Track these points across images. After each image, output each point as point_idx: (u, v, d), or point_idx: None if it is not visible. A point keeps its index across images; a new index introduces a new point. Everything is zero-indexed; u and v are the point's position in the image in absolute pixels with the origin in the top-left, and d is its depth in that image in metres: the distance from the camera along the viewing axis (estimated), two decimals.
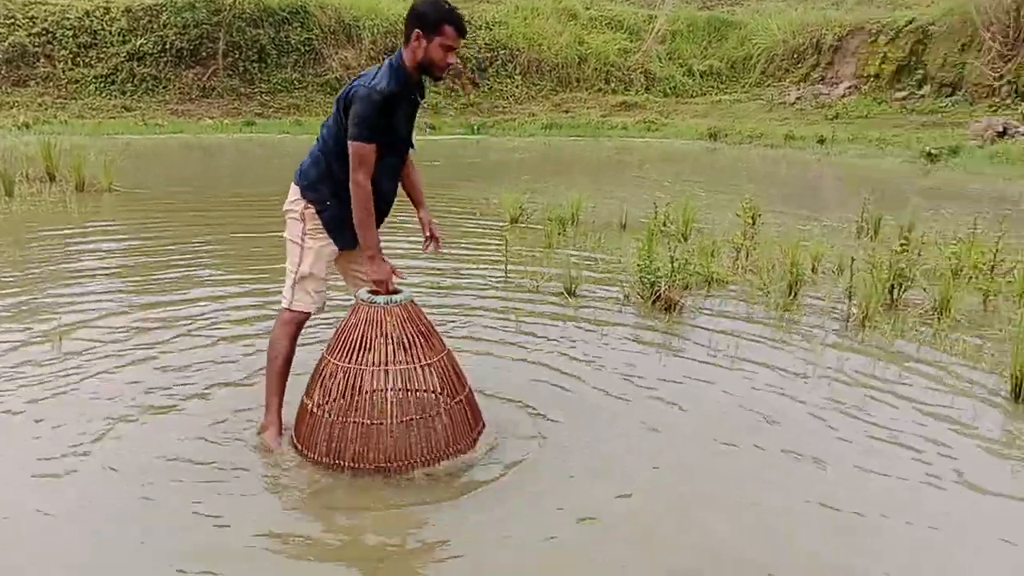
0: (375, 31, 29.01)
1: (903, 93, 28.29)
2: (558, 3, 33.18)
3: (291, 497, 2.91)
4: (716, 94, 32.30)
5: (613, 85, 31.61)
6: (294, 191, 3.25)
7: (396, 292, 3.12)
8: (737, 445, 3.39)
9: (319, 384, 3.09)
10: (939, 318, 5.18)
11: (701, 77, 33.30)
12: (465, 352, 4.27)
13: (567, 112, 28.63)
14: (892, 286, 5.52)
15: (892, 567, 2.55)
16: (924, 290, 5.65)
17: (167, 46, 25.49)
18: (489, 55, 29.98)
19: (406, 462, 3.00)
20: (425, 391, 3.10)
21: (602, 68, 31.70)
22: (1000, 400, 3.96)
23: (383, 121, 3.00)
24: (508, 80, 30.27)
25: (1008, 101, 24.72)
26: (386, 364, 2.98)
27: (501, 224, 8.55)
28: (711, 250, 6.57)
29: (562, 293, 5.64)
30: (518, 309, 5.32)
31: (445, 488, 2.97)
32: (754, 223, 7.81)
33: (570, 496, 2.95)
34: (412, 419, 3.02)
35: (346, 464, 3.00)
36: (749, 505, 2.92)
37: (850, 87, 30.26)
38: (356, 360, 2.99)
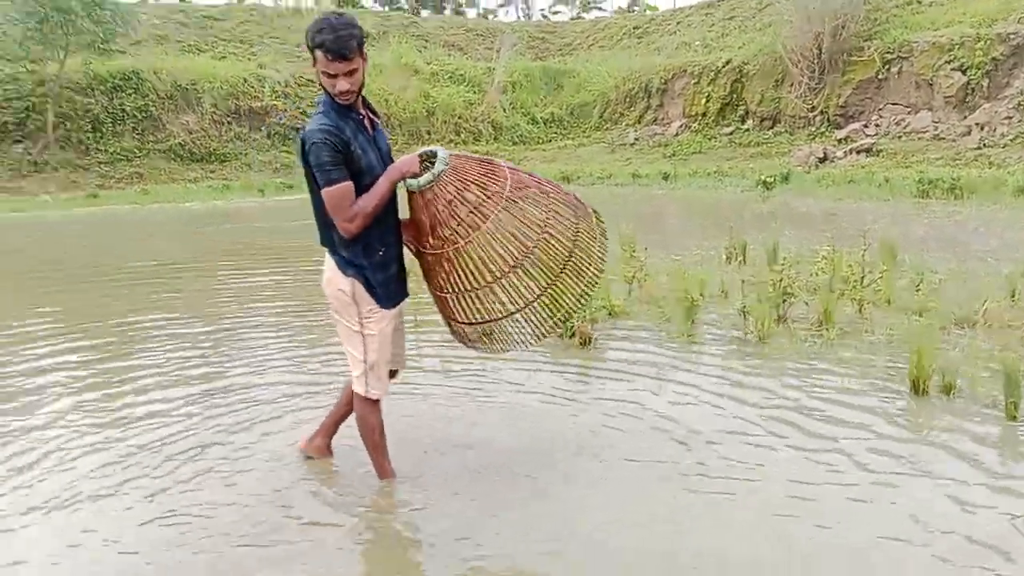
0: (215, 94, 28.39)
1: (729, 128, 30.58)
2: (399, 59, 33.71)
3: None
4: (561, 140, 33.72)
5: (463, 136, 32.35)
6: (331, 264, 3.11)
7: (432, 156, 3.07)
8: (679, 462, 3.60)
9: (433, 274, 3.14)
10: (826, 328, 5.68)
11: (544, 124, 34.69)
12: (412, 396, 4.29)
13: None
14: (780, 303, 6.00)
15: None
16: (807, 304, 6.17)
17: None
18: None
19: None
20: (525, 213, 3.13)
21: (451, 120, 32.44)
22: (903, 394, 4.40)
23: (342, 158, 2.87)
24: None
25: (823, 129, 27.23)
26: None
27: None
28: (604, 283, 6.86)
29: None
30: (437, 355, 5.38)
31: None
32: (634, 257, 8.23)
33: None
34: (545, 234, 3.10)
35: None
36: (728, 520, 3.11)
37: (681, 126, 32.37)
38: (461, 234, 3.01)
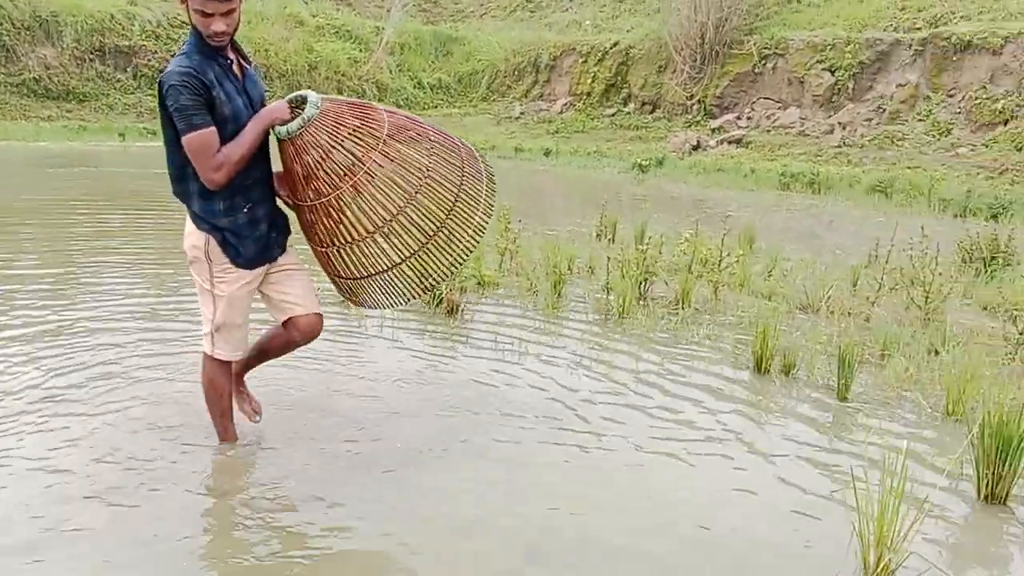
0: (79, 28, 26.46)
1: (612, 110, 31.16)
2: (284, 9, 32.41)
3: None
4: (447, 107, 33.46)
5: (346, 94, 31.41)
6: (189, 224, 2.90)
7: (302, 101, 2.88)
8: (535, 428, 3.65)
9: (309, 228, 2.99)
10: (682, 307, 5.89)
11: (431, 90, 34.29)
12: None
13: None
14: (641, 282, 6.18)
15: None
16: (666, 284, 6.38)
17: None
18: None
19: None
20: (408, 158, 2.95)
21: (333, 77, 31.55)
22: (746, 372, 4.63)
23: (204, 102, 2.68)
24: None
25: (699, 118, 28.18)
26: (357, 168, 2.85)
27: None
28: (477, 254, 6.86)
29: (341, 301, 5.60)
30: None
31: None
32: (508, 229, 8.27)
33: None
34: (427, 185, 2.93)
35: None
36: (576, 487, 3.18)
37: (566, 104, 32.72)
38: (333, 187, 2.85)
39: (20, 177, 13.89)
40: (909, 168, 20.52)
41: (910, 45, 24.64)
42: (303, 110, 2.84)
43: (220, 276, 2.92)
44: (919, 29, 25.18)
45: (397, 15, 35.82)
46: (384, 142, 2.88)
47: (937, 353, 4.98)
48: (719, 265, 6.53)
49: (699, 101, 28.40)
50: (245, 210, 2.90)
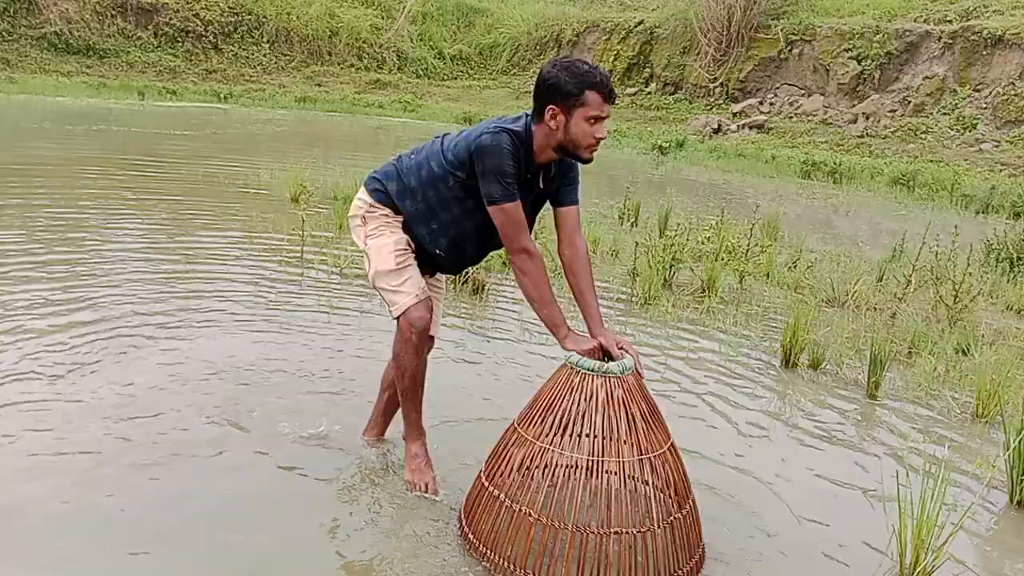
0: None
1: (633, 89, 30.88)
2: None
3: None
4: (466, 79, 33.22)
5: (366, 62, 31.36)
6: (363, 199, 2.75)
7: (612, 360, 2.43)
8: None
9: (499, 452, 2.45)
10: (708, 296, 5.86)
11: (451, 61, 34.05)
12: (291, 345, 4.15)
13: (320, 86, 28.00)
14: (667, 269, 6.14)
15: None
16: (692, 271, 6.34)
17: None
18: (233, 20, 28.37)
19: None
20: (639, 490, 2.34)
21: (354, 44, 31.35)
22: (773, 366, 4.60)
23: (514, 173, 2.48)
24: (255, 48, 28.89)
25: (720, 101, 27.94)
26: (593, 453, 2.27)
27: (279, 203, 8.23)
28: None
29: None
30: (323, 295, 5.24)
31: None
32: None
33: None
34: (618, 531, 2.24)
35: (499, 561, 2.31)
36: None
37: None
38: (551, 439, 2.31)
39: (38, 132, 13.89)
40: (932, 162, 20.33)
41: (939, 37, 24.33)
42: (608, 363, 2.40)
43: (372, 235, 2.74)
44: (950, 22, 24.83)
45: None
46: (626, 464, 2.30)
47: (966, 353, 4.94)
48: (746, 254, 6.47)
49: (722, 84, 28.15)
50: (437, 252, 2.75)
